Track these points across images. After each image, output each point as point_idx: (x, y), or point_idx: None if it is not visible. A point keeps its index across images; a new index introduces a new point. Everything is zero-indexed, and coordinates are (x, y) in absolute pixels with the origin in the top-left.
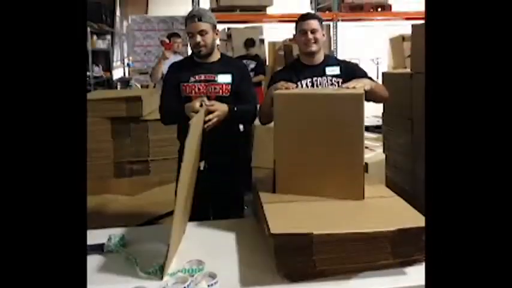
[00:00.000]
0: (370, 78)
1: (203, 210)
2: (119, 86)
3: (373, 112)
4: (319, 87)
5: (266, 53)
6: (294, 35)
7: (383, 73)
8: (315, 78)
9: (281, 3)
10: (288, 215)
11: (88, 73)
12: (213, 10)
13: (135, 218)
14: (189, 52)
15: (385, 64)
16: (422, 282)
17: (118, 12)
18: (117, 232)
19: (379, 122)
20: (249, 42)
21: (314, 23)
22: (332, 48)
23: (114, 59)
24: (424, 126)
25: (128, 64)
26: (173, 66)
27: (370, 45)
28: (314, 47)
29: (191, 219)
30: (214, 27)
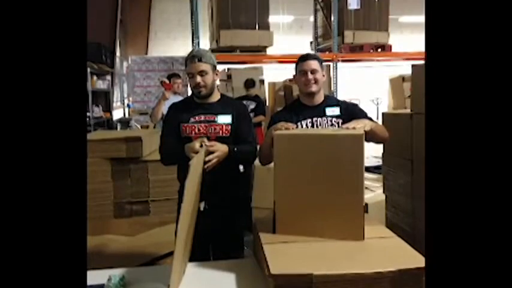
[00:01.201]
0: (370, 119)
1: (203, 251)
2: (118, 127)
3: (373, 153)
4: (319, 127)
5: (266, 93)
6: (294, 76)
7: (383, 113)
8: (315, 119)
9: (281, 43)
10: (288, 255)
11: (88, 113)
12: (213, 51)
13: (135, 258)
14: (189, 92)
15: (385, 104)
16: None
17: (118, 53)
18: (117, 272)
19: (379, 162)
20: (249, 83)
21: (314, 64)
22: (332, 89)
23: (114, 100)
24: (425, 167)
25: (127, 104)
26: (173, 106)
27: (370, 86)
28: (314, 88)
29: (191, 259)
30: (214, 67)
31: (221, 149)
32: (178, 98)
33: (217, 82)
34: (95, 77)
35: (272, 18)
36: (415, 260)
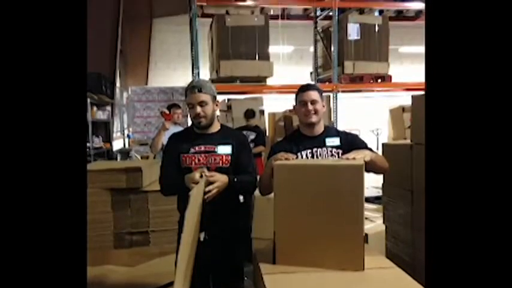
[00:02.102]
0: (370, 149)
1: (203, 281)
2: (118, 157)
3: (373, 183)
4: (319, 158)
5: (266, 123)
6: (294, 106)
7: (383, 144)
8: (315, 149)
9: (281, 74)
10: (288, 285)
11: (88, 144)
12: (213, 81)
13: None
14: (189, 123)
15: (385, 135)
16: None
17: (118, 83)
18: None
19: (379, 192)
20: (249, 113)
21: (314, 94)
22: (332, 119)
23: (114, 130)
24: (425, 198)
25: (127, 135)
26: (173, 137)
27: (370, 116)
28: (314, 118)
29: None
30: (214, 98)
31: (221, 179)
32: (179, 129)
33: (217, 112)
34: (95, 108)
35: (272, 49)
36: None
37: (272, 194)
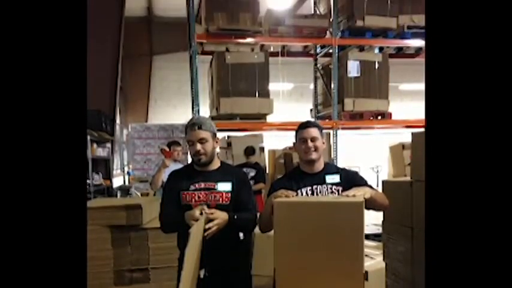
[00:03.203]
0: (370, 186)
1: None
2: (118, 194)
3: (373, 220)
4: (319, 195)
5: (266, 160)
6: (294, 143)
7: (383, 181)
8: (315, 186)
9: (281, 111)
10: None
11: (88, 181)
12: (213, 118)
13: None
14: (189, 160)
15: (385, 172)
16: None
17: (118, 121)
18: None
19: (379, 230)
20: (249, 150)
21: (314, 131)
22: (332, 156)
23: (114, 167)
24: (425, 235)
25: (128, 172)
26: (173, 174)
27: (370, 153)
28: (314, 155)
29: None
30: (214, 135)
31: (221, 216)
32: (178, 166)
33: (217, 150)
34: (95, 145)
35: (272, 86)
36: None
37: (272, 231)
